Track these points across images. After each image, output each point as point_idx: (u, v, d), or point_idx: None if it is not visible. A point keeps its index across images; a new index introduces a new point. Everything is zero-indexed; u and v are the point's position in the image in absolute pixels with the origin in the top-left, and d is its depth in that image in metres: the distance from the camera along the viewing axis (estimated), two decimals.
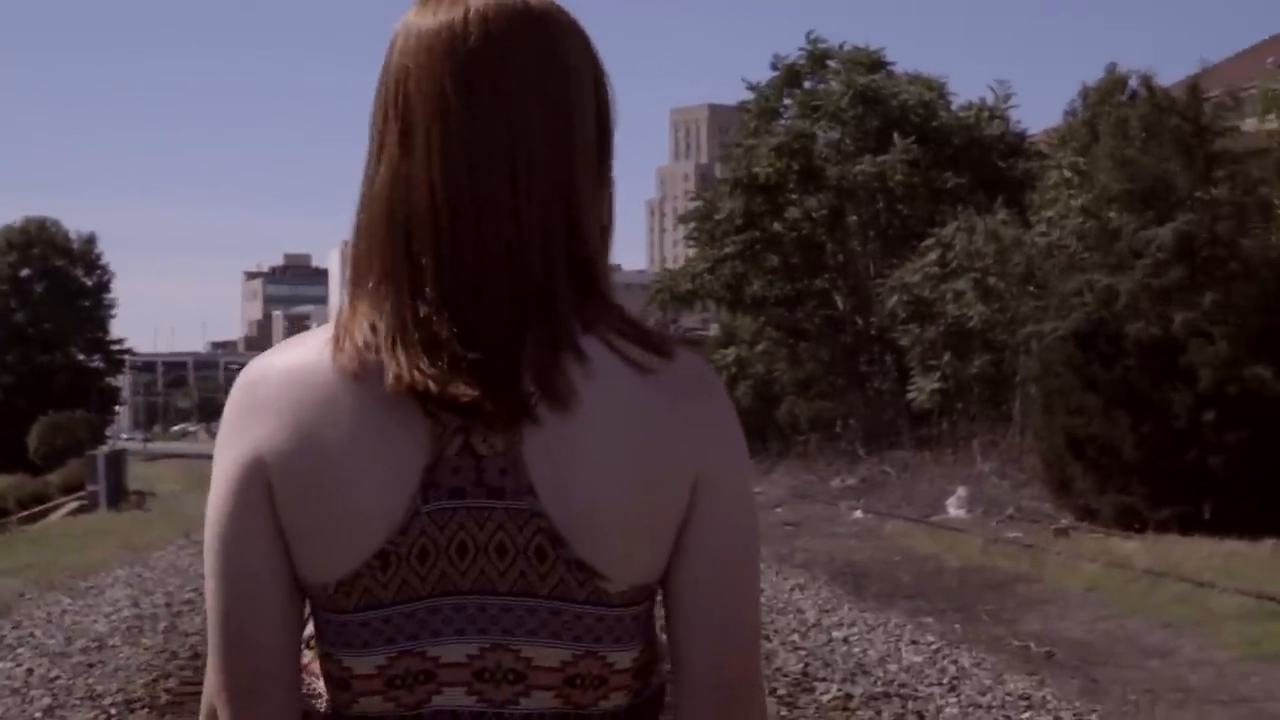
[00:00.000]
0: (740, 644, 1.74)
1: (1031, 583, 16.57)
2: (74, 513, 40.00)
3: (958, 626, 13.81)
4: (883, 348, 38.64)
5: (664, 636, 1.78)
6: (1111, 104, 28.36)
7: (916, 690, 10.65)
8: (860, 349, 40.13)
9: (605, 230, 1.80)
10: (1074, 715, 9.90)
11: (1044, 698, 10.39)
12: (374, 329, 1.68)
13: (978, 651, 12.28)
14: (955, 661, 11.72)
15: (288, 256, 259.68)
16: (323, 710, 1.77)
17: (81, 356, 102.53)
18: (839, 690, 10.52)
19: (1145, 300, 21.98)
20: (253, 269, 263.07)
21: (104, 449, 49.56)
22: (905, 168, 37.49)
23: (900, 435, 35.50)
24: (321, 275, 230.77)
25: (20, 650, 12.97)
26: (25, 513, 53.20)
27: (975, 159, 38.59)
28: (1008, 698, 10.38)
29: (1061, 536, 20.40)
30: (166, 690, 11.10)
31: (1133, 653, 12.37)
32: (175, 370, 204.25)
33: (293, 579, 1.72)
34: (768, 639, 12.93)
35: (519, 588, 1.67)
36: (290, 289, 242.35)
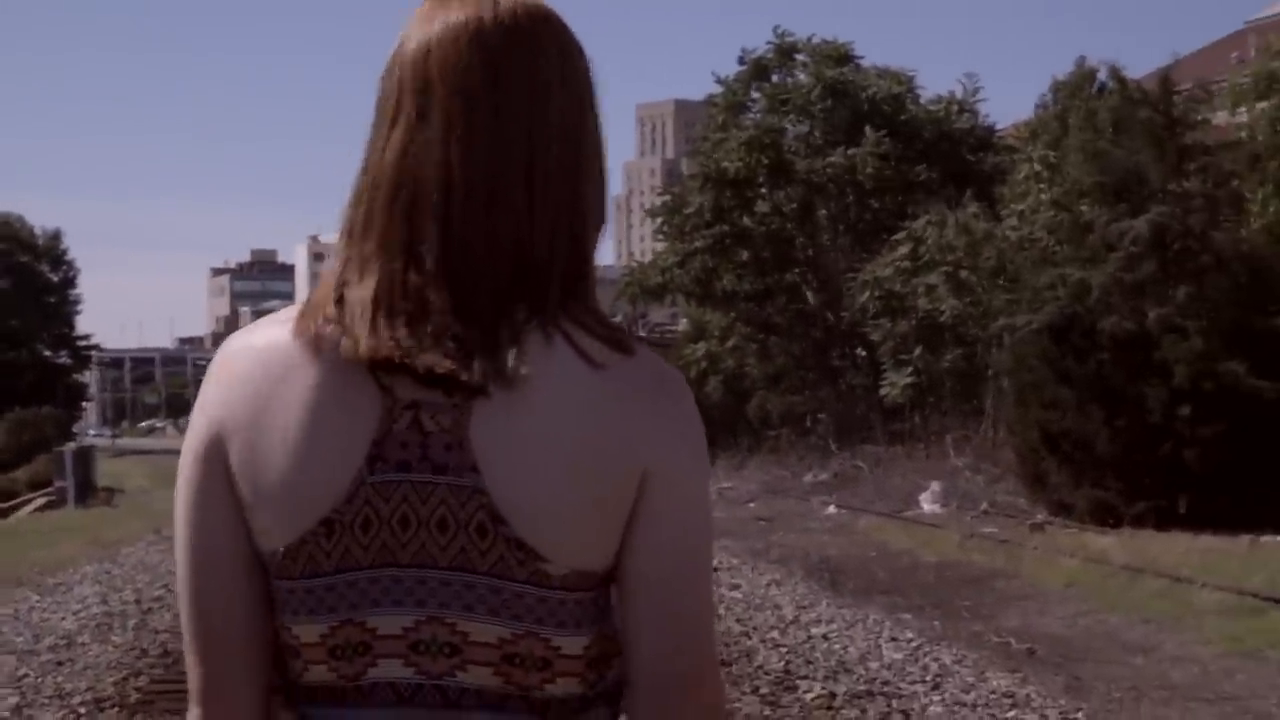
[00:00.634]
0: (686, 636, 1.76)
1: (1009, 578, 16.49)
2: (42, 509, 39.75)
3: (937, 623, 13.72)
4: (854, 342, 38.63)
5: None
6: (1081, 97, 28.36)
7: (900, 688, 10.55)
8: (831, 343, 40.09)
9: (598, 234, 1.85)
10: (1059, 713, 9.79)
11: (1028, 695, 10.29)
12: (343, 299, 1.72)
13: (958, 648, 12.19)
14: (936, 659, 11.63)
15: (254, 252, 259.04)
16: (285, 680, 1.82)
17: (48, 353, 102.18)
18: (822, 689, 10.41)
19: (1118, 294, 21.96)
20: (219, 265, 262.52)
21: (71, 445, 49.23)
22: (875, 161, 37.44)
23: (872, 430, 35.49)
24: (288, 271, 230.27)
25: None
26: None
27: (945, 153, 38.55)
28: (991, 696, 10.28)
29: (1037, 532, 20.35)
30: (136, 689, 10.92)
31: (1114, 649, 12.29)
32: (143, 366, 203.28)
33: (250, 548, 1.77)
34: (747, 636, 12.84)
35: (458, 563, 1.70)
36: (257, 285, 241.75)
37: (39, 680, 11.27)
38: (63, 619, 14.53)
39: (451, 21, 1.77)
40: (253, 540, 1.76)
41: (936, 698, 10.29)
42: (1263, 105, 26.74)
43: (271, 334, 1.77)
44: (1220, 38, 50.53)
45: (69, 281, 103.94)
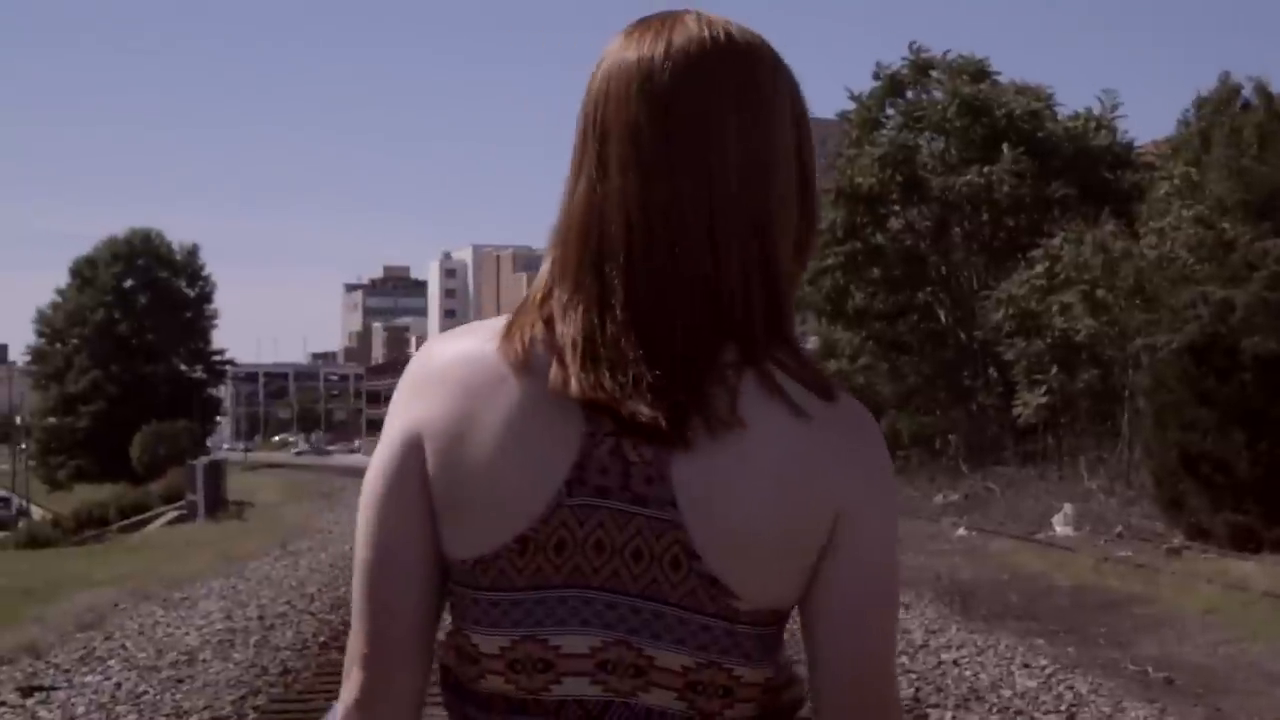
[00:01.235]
0: (871, 672, 1.77)
1: (1146, 604, 16.05)
2: (172, 522, 40.22)
3: (1071, 650, 13.34)
4: (986, 361, 38.06)
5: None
6: (1226, 113, 27.74)
7: (1034, 718, 10.20)
8: (963, 363, 39.54)
9: (800, 268, 1.86)
10: None
11: None
12: (551, 330, 1.74)
13: (1094, 676, 11.81)
14: (1071, 687, 11.27)
15: (387, 268, 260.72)
16: (451, 684, 1.82)
17: (184, 367, 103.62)
18: (953, 717, 10.07)
19: (1262, 313, 21.40)
20: (352, 280, 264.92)
21: (203, 459, 49.77)
22: (1011, 179, 36.89)
23: (1004, 450, 35.02)
24: (421, 287, 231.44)
25: (110, 663, 12.79)
26: (125, 521, 53.70)
27: (1082, 170, 37.87)
28: None
29: (1174, 556, 19.86)
30: (254, 708, 10.84)
31: (1258, 680, 11.87)
32: (276, 381, 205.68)
33: (435, 551, 1.78)
34: None
35: (649, 592, 1.71)
36: (390, 301, 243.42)
37: (158, 698, 11.21)
38: (186, 634, 14.52)
39: (625, 62, 1.79)
40: (439, 544, 1.77)
41: None
42: None
43: (473, 345, 1.79)
44: None
45: (205, 297, 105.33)
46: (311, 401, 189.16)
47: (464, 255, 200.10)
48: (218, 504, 42.78)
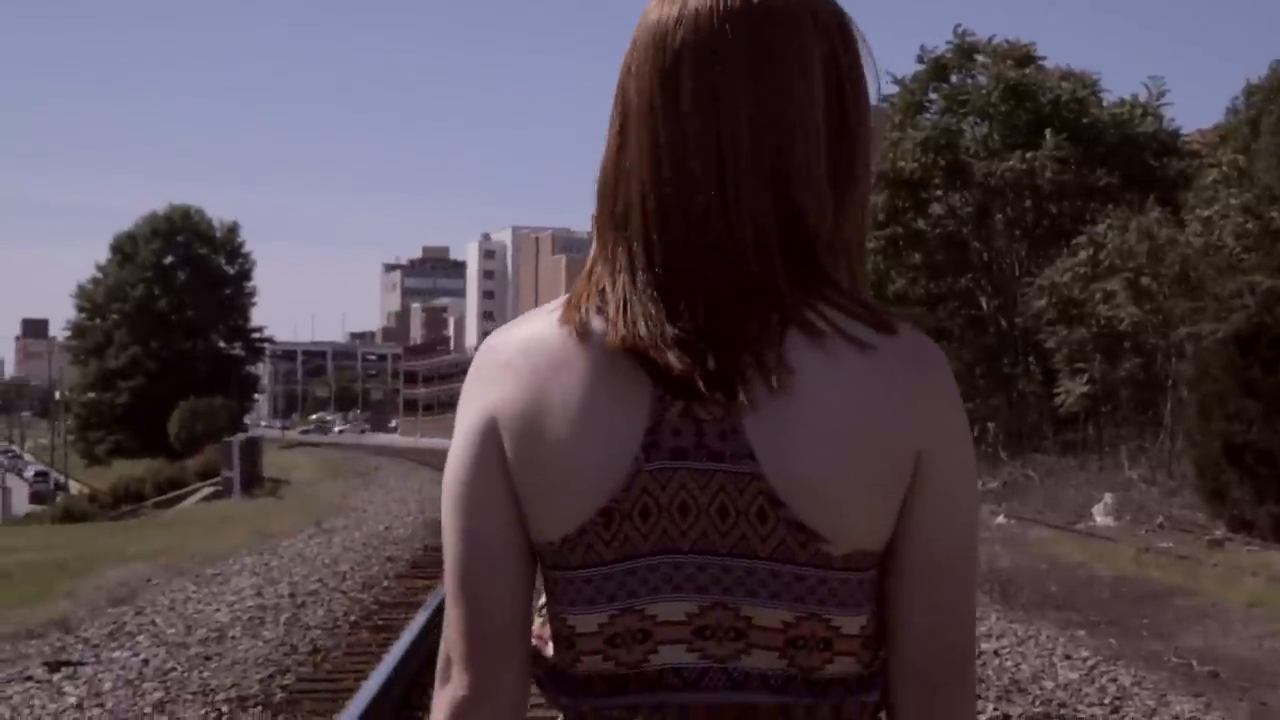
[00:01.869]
0: (959, 621, 1.76)
1: (1188, 596, 15.81)
2: (208, 498, 40.22)
3: (1113, 641, 13.13)
4: (1027, 349, 37.76)
5: None
6: (1276, 101, 27.42)
7: (1077, 711, 9.97)
8: (1004, 350, 39.23)
9: (859, 224, 1.83)
10: None
11: None
12: (603, 294, 1.75)
13: (1137, 669, 11.60)
14: (1114, 679, 11.05)
15: (426, 249, 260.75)
16: (545, 673, 1.81)
17: (222, 344, 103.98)
18: (995, 710, 9.85)
19: None
20: (391, 261, 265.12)
21: (240, 436, 49.81)
22: (1055, 165, 36.56)
23: (1044, 439, 34.76)
24: (460, 268, 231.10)
25: (139, 638, 12.68)
26: (161, 497, 53.79)
27: (1127, 157, 37.55)
28: None
29: (1216, 548, 19.63)
30: (282, 687, 10.67)
31: None
32: (314, 359, 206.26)
33: (524, 538, 1.77)
34: None
35: (739, 549, 1.69)
36: (429, 281, 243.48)
37: (185, 675, 11.07)
38: (216, 610, 14.41)
39: (646, 26, 1.79)
40: (526, 529, 1.76)
41: None
42: None
43: (533, 328, 1.79)
44: None
45: (245, 274, 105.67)
46: (349, 380, 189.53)
47: (503, 237, 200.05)
48: (253, 481, 42.79)
